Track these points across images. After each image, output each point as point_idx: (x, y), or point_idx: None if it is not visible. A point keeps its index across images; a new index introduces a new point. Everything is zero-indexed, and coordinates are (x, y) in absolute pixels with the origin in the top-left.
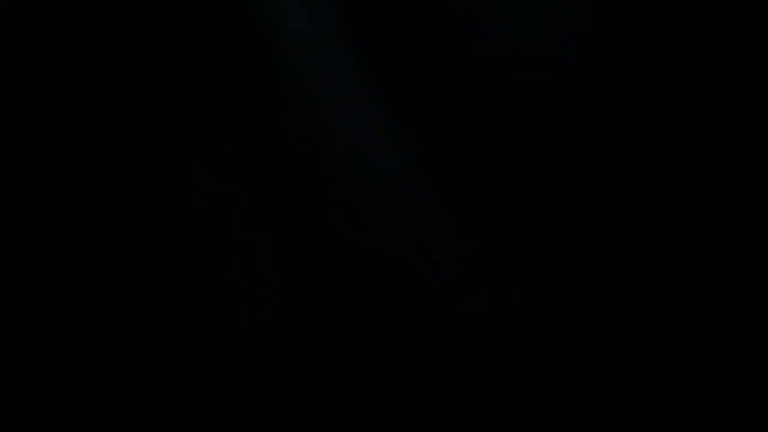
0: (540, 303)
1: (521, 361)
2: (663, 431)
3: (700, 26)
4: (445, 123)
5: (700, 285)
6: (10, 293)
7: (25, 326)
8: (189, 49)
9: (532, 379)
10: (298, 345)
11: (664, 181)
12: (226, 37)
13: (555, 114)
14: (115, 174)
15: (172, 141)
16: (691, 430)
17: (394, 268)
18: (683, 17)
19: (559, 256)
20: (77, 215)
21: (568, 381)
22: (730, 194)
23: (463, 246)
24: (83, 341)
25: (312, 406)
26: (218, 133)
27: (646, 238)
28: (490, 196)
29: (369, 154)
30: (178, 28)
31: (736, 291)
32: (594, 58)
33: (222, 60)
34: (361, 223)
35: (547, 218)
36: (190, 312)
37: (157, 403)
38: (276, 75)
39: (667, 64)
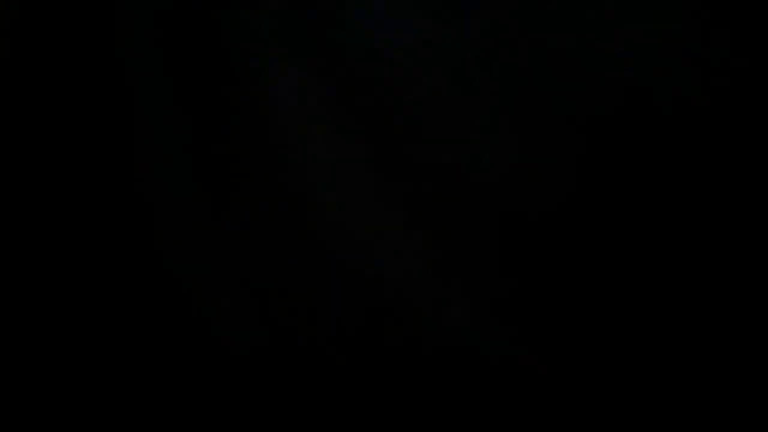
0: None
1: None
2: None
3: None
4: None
5: (685, 290)
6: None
7: (18, 324)
8: (174, 68)
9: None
10: (284, 352)
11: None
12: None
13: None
14: (99, 180)
15: (156, 149)
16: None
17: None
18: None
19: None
20: (63, 218)
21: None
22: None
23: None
24: (71, 342)
25: (300, 407)
26: (200, 141)
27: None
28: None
29: (345, 179)
30: (164, 44)
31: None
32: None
33: (206, 81)
34: (342, 245)
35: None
36: (176, 318)
37: (150, 405)
38: (250, 101)
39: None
